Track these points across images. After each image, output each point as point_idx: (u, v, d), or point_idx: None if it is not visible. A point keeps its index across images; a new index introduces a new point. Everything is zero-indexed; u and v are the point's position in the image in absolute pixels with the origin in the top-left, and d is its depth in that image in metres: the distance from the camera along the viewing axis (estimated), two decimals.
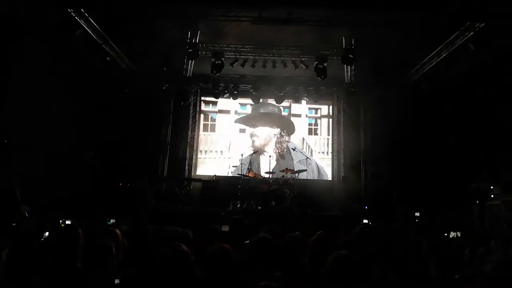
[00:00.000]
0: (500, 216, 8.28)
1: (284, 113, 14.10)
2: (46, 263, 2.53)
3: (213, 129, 14.03)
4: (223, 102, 14.06)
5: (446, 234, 4.28)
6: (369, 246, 3.24)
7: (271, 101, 13.72)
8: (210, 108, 14.23)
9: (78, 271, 2.45)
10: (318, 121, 14.15)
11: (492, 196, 8.68)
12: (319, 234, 4.62)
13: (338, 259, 2.67)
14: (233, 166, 12.83)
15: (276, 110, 13.99)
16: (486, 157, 9.36)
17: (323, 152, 13.67)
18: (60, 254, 2.56)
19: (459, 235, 4.38)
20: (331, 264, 2.65)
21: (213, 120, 14.13)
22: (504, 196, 8.28)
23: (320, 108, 14.11)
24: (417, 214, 8.31)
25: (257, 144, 13.52)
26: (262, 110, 14.02)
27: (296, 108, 14.10)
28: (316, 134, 13.99)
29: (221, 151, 13.75)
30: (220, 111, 14.20)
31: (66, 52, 9.10)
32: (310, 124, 14.06)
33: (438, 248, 3.50)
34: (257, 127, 13.79)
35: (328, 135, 13.95)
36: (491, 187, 8.74)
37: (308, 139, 13.84)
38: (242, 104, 14.11)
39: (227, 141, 13.79)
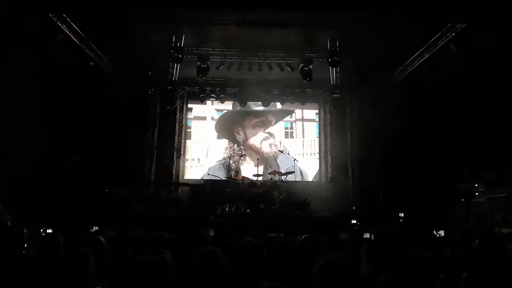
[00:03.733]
0: (484, 213, 8.41)
1: None
2: (26, 273, 2.46)
3: (189, 136, 13.89)
4: (199, 108, 13.99)
5: (430, 233, 4.33)
6: (356, 247, 3.25)
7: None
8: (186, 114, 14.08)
9: (58, 281, 2.39)
10: (294, 124, 14.21)
11: (476, 193, 8.81)
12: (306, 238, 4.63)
13: (327, 261, 2.65)
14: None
15: None
16: (469, 156, 9.50)
17: (299, 154, 13.68)
18: (40, 263, 2.50)
19: (442, 234, 4.42)
20: (321, 267, 2.63)
21: (189, 127, 13.97)
22: (488, 193, 8.41)
23: (295, 112, 14.19)
24: (401, 214, 8.38)
25: (273, 149, 13.47)
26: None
27: None
28: (292, 137, 14.05)
29: (198, 159, 13.69)
30: (195, 118, 14.10)
31: (47, 58, 8.95)
32: (286, 128, 14.12)
33: (421, 247, 3.52)
34: (271, 125, 13.70)
35: (303, 137, 14.04)
36: (475, 185, 8.87)
37: (285, 142, 13.88)
38: (218, 110, 14.04)
39: (205, 148, 13.73)
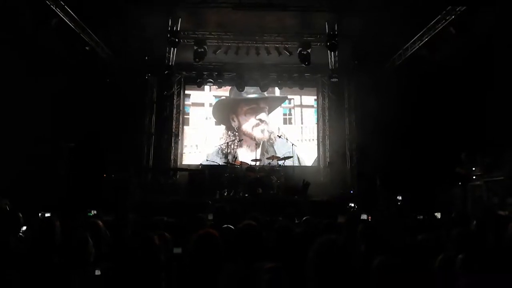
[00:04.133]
0: (481, 196, 8.46)
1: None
2: (23, 257, 2.47)
3: (186, 122, 13.86)
4: (197, 95, 13.92)
5: (427, 216, 4.36)
6: (353, 230, 3.26)
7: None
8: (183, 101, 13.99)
9: (55, 265, 2.39)
10: (292, 110, 14.16)
11: (474, 177, 8.85)
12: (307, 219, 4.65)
13: (323, 244, 2.65)
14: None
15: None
16: (467, 140, 9.51)
17: (297, 140, 13.63)
18: (36, 247, 2.50)
19: (438, 217, 4.46)
20: (316, 249, 2.63)
21: (187, 113, 13.94)
22: (486, 177, 8.44)
23: (293, 98, 14.12)
24: (399, 197, 8.45)
25: (265, 134, 13.44)
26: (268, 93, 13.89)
27: None
28: (290, 123, 14.02)
29: (196, 145, 13.68)
30: (193, 104, 14.03)
31: (42, 42, 8.84)
32: (284, 114, 14.07)
33: (418, 230, 3.54)
34: (263, 112, 13.69)
35: (302, 123, 14.02)
36: (473, 169, 8.90)
37: (283, 128, 13.84)
38: (216, 96, 13.99)
39: (202, 134, 13.71)
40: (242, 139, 13.16)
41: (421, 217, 4.38)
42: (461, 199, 9.22)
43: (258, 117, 13.72)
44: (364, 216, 3.22)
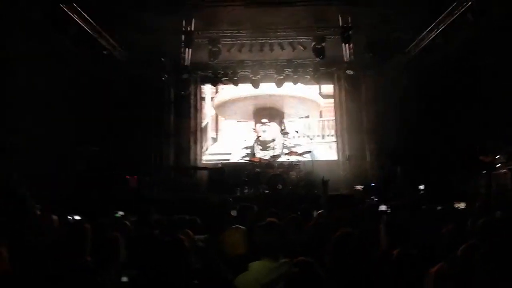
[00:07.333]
0: (506, 184, 8.28)
1: None
2: (55, 259, 2.58)
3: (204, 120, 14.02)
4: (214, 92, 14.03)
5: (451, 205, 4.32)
6: (371, 222, 3.27)
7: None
8: None
9: (88, 265, 2.50)
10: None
11: (498, 165, 8.67)
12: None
13: (342, 237, 2.70)
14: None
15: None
16: (490, 128, 9.30)
17: (317, 136, 13.61)
18: (68, 249, 2.62)
19: (463, 206, 4.41)
20: (335, 242, 2.68)
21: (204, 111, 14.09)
22: (510, 164, 8.25)
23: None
24: (421, 187, 8.34)
25: (266, 137, 13.46)
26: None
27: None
28: (308, 117, 13.95)
29: (215, 143, 13.92)
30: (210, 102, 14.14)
31: (60, 48, 9.07)
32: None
33: (443, 219, 3.52)
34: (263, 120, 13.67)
35: (320, 117, 13.98)
36: (497, 156, 8.72)
37: (301, 123, 13.79)
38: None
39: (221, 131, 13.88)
40: (260, 136, 13.19)
41: (440, 207, 4.35)
42: (485, 188, 9.04)
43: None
44: (383, 207, 3.22)
